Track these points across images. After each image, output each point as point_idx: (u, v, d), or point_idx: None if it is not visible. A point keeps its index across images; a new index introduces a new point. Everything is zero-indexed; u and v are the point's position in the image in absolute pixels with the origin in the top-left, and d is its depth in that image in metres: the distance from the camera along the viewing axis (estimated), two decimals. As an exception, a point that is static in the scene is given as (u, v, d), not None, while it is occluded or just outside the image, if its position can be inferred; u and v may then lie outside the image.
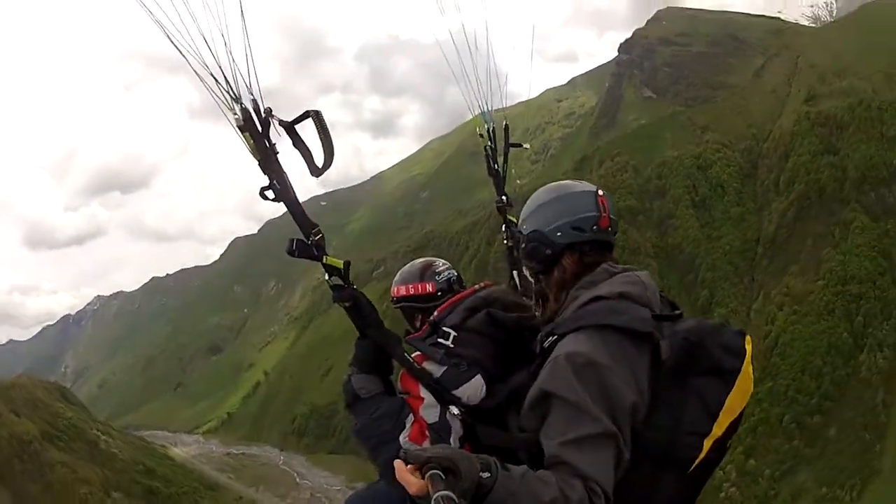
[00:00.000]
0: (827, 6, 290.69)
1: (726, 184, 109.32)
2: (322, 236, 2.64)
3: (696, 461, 2.39)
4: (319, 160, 2.62)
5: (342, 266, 2.70)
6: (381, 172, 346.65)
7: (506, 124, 4.45)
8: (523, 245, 2.87)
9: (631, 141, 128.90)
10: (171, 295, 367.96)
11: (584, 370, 2.29)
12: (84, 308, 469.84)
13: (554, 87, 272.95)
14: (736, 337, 2.51)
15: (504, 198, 4.30)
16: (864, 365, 73.80)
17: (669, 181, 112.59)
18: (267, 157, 2.51)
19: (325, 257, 2.65)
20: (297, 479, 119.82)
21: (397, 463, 1.77)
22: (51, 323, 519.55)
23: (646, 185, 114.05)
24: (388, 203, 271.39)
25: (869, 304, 77.95)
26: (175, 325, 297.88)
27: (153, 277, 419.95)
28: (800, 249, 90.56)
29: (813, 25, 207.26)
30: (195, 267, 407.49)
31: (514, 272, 4.02)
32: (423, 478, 1.77)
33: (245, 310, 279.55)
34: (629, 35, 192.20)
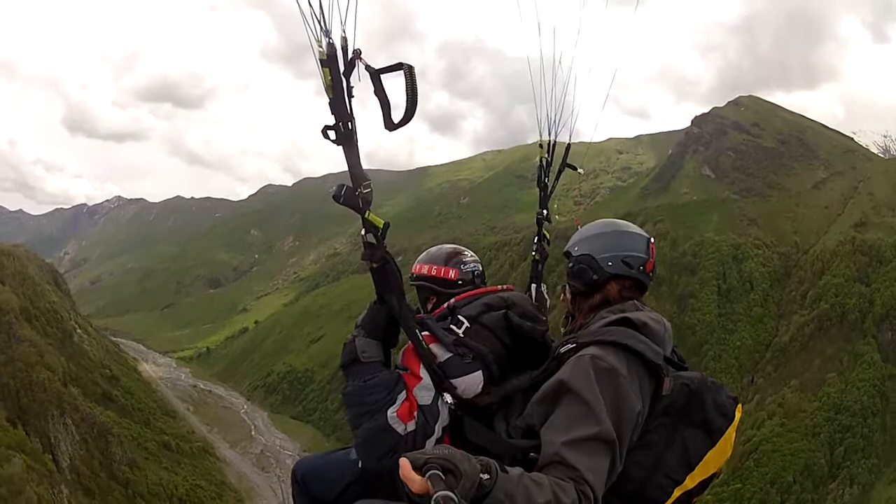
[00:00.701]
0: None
1: (756, 282, 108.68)
2: (371, 191, 2.60)
3: None
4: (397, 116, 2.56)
5: (381, 226, 2.64)
6: (428, 167, 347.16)
7: (568, 144, 4.46)
8: (571, 265, 3.06)
9: (678, 212, 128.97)
10: (189, 218, 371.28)
11: (605, 374, 2.39)
12: (102, 203, 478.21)
13: (619, 138, 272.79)
14: (730, 400, 2.69)
15: (545, 212, 4.40)
16: (831, 495, 73.26)
17: (703, 262, 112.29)
18: (340, 97, 2.48)
19: (367, 212, 2.60)
20: (253, 433, 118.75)
21: (402, 461, 1.74)
22: (65, 206, 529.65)
23: (679, 258, 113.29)
24: (427, 199, 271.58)
25: (854, 439, 77.47)
26: (183, 247, 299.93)
27: (177, 196, 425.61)
28: (806, 367, 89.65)
29: (881, 156, 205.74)
30: (221, 199, 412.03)
31: (533, 285, 4.13)
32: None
33: (256, 255, 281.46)
34: (705, 110, 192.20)
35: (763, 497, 74.37)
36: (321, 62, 2.41)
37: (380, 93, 2.50)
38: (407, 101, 2.48)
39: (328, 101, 2.47)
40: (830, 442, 78.29)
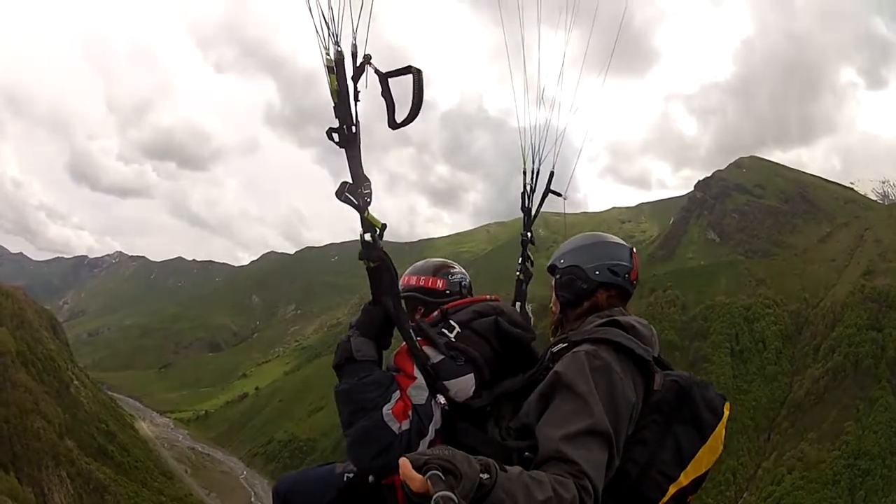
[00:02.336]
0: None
1: (768, 341, 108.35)
2: (371, 192, 2.64)
3: None
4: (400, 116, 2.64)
5: (380, 227, 2.68)
6: (431, 239, 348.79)
7: (551, 171, 4.43)
8: (558, 276, 3.12)
9: (686, 277, 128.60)
10: (190, 279, 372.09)
11: (599, 369, 2.45)
12: (103, 256, 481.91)
13: (621, 207, 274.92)
14: (718, 398, 2.73)
15: (529, 234, 4.42)
16: None
17: (714, 325, 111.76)
18: (346, 101, 2.53)
19: (367, 211, 2.63)
20: (253, 499, 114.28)
21: (402, 460, 1.74)
22: (65, 256, 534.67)
23: (690, 323, 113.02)
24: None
25: (874, 481, 78.29)
26: (183, 308, 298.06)
27: (179, 257, 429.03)
28: (823, 418, 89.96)
29: (881, 202, 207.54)
30: (223, 263, 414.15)
31: (518, 303, 4.07)
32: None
33: (257, 322, 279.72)
34: (704, 174, 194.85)
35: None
36: (328, 69, 2.50)
37: (387, 94, 2.59)
38: (413, 102, 2.55)
39: (333, 106, 2.53)
40: (851, 487, 79.19)
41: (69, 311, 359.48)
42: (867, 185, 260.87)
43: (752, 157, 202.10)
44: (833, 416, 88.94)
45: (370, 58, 2.48)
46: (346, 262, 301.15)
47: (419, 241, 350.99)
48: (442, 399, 2.76)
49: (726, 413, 2.69)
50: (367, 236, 2.65)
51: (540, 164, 4.35)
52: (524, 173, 4.37)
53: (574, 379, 2.38)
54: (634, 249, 3.15)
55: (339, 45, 2.49)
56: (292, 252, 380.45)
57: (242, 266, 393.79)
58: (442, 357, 2.87)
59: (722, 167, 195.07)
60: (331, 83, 2.49)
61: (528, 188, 4.42)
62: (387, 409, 2.66)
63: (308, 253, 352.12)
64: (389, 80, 2.58)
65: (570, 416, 2.30)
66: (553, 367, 2.54)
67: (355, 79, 2.50)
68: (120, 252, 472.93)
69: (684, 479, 2.54)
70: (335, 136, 2.53)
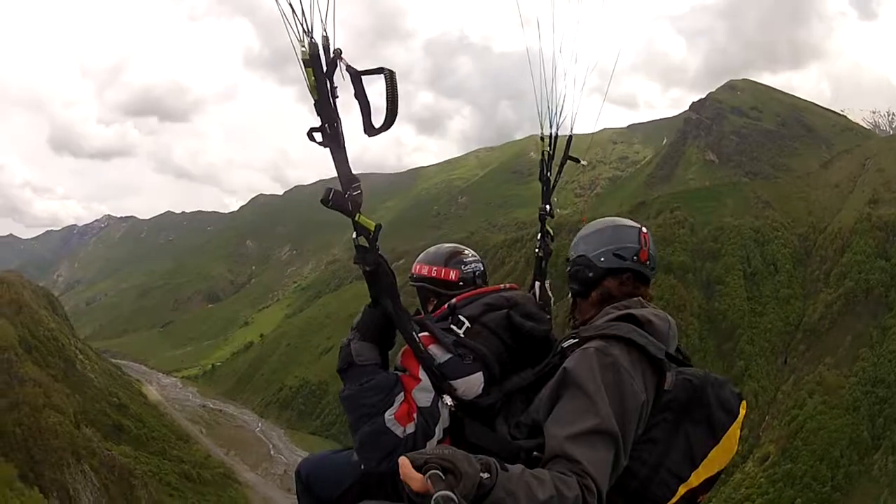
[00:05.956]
0: (888, 116, 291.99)
1: (779, 264, 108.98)
2: (360, 193, 2.54)
3: None
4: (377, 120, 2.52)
5: (373, 228, 2.59)
6: (420, 168, 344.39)
7: (570, 136, 4.22)
8: (569, 269, 3.09)
9: (692, 199, 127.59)
10: (180, 233, 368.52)
11: (608, 367, 2.41)
12: (91, 223, 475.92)
13: (612, 129, 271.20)
14: (734, 396, 2.67)
15: (548, 207, 4.19)
16: (876, 464, 75.73)
17: (725, 247, 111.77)
18: (325, 98, 2.44)
19: (357, 215, 2.54)
20: (272, 452, 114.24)
21: (402, 460, 1.75)
22: (55, 228, 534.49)
23: (700, 244, 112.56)
24: (423, 199, 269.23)
25: (891, 409, 79.59)
26: (178, 263, 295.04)
27: (167, 211, 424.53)
28: (838, 344, 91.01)
29: (876, 132, 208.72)
30: (212, 212, 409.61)
31: (537, 283, 3.95)
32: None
33: (253, 267, 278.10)
34: (693, 96, 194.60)
35: (814, 474, 76.46)
36: (304, 62, 2.37)
37: (360, 95, 2.45)
38: (387, 106, 2.44)
39: (313, 102, 2.41)
40: (870, 414, 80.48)
41: (65, 283, 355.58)
42: (857, 115, 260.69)
43: (744, 79, 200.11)
44: (848, 342, 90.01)
45: (340, 52, 2.37)
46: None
47: (409, 170, 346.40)
48: (449, 400, 2.71)
49: (742, 413, 2.63)
50: (361, 240, 2.57)
51: (557, 129, 4.07)
52: (541, 139, 4.10)
53: (582, 377, 2.35)
54: (644, 229, 3.03)
55: (312, 37, 2.34)
56: (281, 193, 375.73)
57: (232, 212, 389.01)
58: (449, 356, 2.81)
59: (711, 89, 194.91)
60: (308, 79, 2.36)
61: (546, 156, 4.13)
62: (389, 415, 2.64)
63: (297, 192, 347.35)
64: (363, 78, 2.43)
65: (577, 415, 2.27)
66: (563, 364, 2.49)
67: (329, 74, 2.36)
68: (108, 216, 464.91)
69: (695, 480, 2.51)
70: (317, 135, 2.43)
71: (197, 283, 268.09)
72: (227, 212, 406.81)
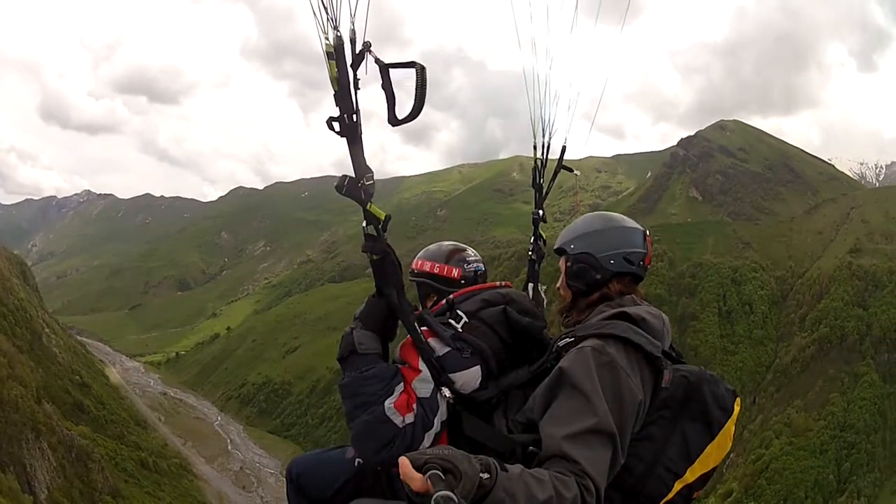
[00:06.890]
0: (875, 168, 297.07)
1: (755, 305, 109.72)
2: (373, 183, 2.62)
3: (663, 500, 2.54)
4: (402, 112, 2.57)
5: (383, 218, 2.67)
6: (402, 177, 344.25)
7: (564, 145, 4.33)
8: (569, 264, 2.99)
9: (673, 233, 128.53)
10: (157, 217, 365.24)
11: (605, 366, 2.40)
12: (71, 196, 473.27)
13: (597, 157, 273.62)
14: (729, 393, 2.67)
15: (541, 212, 4.29)
16: None
17: (702, 284, 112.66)
18: (346, 90, 2.49)
19: (369, 204, 2.62)
20: (230, 447, 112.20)
21: (402, 460, 1.74)
22: (34, 198, 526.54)
23: (678, 279, 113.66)
24: (404, 209, 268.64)
25: (858, 455, 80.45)
26: (152, 246, 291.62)
27: (146, 193, 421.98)
28: (809, 387, 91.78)
29: (863, 183, 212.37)
30: (191, 199, 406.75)
31: (531, 285, 4.00)
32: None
33: (225, 259, 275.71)
34: (682, 132, 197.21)
35: (777, 514, 77.42)
36: (327, 54, 2.43)
37: (387, 87, 2.51)
38: (415, 99, 2.51)
39: (333, 93, 2.47)
40: (837, 458, 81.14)
41: (38, 254, 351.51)
42: (845, 164, 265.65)
43: (734, 120, 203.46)
44: (819, 386, 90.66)
45: (370, 45, 2.43)
46: (316, 198, 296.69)
47: (391, 178, 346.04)
48: (447, 392, 2.72)
49: (736, 409, 2.63)
50: (371, 228, 2.63)
51: (550, 139, 4.16)
52: (535, 148, 4.20)
53: (578, 376, 2.35)
54: (648, 232, 3.00)
55: (338, 30, 2.42)
56: (261, 188, 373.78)
57: (211, 202, 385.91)
58: (448, 349, 2.82)
59: (700, 126, 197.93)
60: (330, 70, 2.42)
61: (539, 163, 4.23)
62: (389, 403, 2.63)
63: (277, 189, 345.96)
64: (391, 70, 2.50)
65: (574, 415, 2.27)
66: (558, 363, 2.48)
67: (354, 67, 2.43)
68: (88, 191, 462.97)
69: (690, 476, 2.53)
70: (336, 125, 2.49)
71: (169, 269, 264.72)
72: (205, 201, 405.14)
